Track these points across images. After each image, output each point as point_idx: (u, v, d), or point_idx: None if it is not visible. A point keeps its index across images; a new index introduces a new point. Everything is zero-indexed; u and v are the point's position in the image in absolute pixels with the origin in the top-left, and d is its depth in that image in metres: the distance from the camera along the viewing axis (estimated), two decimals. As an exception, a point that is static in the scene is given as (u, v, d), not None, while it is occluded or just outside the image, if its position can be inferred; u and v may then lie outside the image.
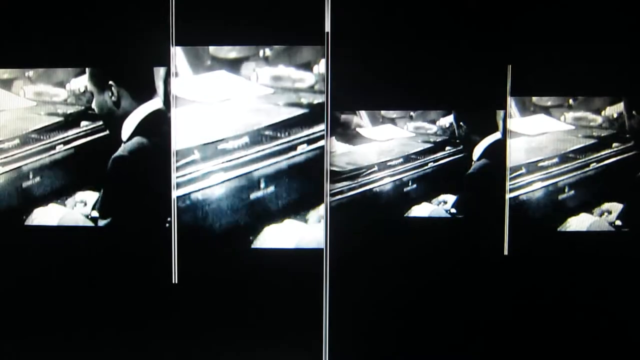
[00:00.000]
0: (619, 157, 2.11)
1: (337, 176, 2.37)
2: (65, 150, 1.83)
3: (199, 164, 2.27)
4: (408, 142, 2.38)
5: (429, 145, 2.40)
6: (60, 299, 2.45)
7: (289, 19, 2.33)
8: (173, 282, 2.41)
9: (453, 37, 2.35)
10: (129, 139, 1.95)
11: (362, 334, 2.44)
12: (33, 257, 2.42)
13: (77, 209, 1.99)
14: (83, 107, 1.85)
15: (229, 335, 2.44)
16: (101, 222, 2.10)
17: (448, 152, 2.40)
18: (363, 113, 2.37)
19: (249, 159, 2.22)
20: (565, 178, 2.10)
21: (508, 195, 2.38)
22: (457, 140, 2.37)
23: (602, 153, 2.06)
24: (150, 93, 1.93)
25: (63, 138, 1.81)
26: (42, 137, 1.79)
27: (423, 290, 2.43)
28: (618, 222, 2.15)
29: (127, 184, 1.97)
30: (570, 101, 2.02)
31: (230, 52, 2.13)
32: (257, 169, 2.25)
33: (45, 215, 1.97)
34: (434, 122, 2.39)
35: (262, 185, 2.26)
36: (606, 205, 2.14)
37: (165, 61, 2.07)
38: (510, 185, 2.26)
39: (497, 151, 2.37)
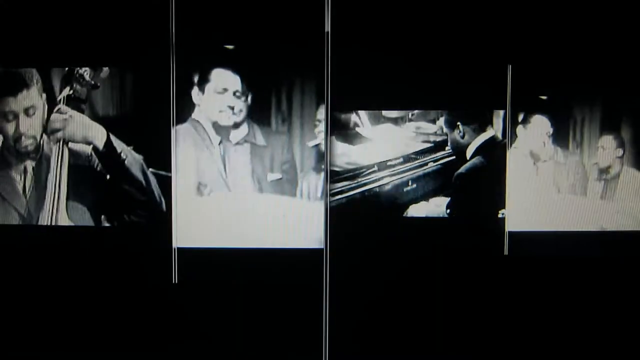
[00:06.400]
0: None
1: (336, 176, 2.39)
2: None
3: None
4: (408, 142, 2.41)
5: (428, 145, 2.42)
6: (60, 298, 2.45)
7: (289, 19, 2.34)
8: (173, 282, 2.41)
9: (451, 38, 2.37)
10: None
11: (362, 333, 2.44)
12: (32, 256, 2.44)
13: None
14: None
15: (228, 334, 2.44)
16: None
17: (448, 152, 2.42)
18: (362, 112, 2.38)
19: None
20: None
21: (508, 194, 2.39)
22: (448, 144, 2.43)
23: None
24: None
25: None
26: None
27: (423, 290, 2.43)
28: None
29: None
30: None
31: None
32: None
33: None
34: (433, 121, 2.40)
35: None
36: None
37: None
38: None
39: (490, 151, 2.40)
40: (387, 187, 2.42)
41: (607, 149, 2.41)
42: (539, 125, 2.40)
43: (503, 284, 2.41)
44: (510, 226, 2.40)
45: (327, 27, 2.35)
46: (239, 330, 2.44)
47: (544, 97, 2.40)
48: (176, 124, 2.39)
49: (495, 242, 2.40)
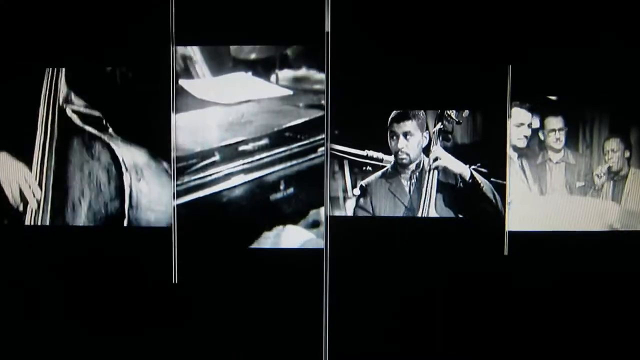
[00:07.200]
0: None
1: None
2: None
3: (220, 166, 1.97)
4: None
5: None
6: (60, 298, 2.46)
7: (289, 19, 2.34)
8: (173, 282, 2.41)
9: (451, 38, 2.37)
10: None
11: (362, 333, 2.44)
12: (32, 256, 2.44)
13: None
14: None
15: (229, 334, 2.44)
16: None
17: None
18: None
19: (269, 161, 1.84)
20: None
21: (508, 198, 2.40)
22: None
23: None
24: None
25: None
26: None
27: (423, 290, 2.43)
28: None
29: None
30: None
31: (251, 53, 1.82)
32: (277, 171, 1.85)
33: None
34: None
35: (282, 186, 1.91)
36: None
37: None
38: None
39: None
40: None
41: (617, 150, 2.42)
42: (519, 118, 2.39)
43: (503, 284, 2.41)
44: (511, 226, 2.41)
45: (327, 27, 2.35)
46: (239, 330, 2.44)
47: (553, 98, 2.40)
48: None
49: (495, 242, 2.41)
